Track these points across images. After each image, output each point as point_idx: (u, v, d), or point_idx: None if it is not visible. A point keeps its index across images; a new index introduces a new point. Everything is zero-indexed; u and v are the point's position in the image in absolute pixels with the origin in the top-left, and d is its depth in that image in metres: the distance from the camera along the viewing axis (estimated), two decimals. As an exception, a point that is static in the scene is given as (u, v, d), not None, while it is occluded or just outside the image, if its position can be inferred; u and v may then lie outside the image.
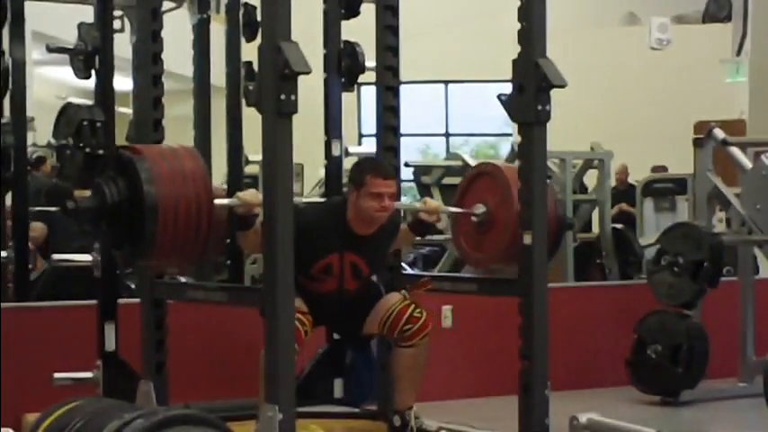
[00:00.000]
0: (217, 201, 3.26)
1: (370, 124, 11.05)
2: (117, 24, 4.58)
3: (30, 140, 5.63)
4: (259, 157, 3.36)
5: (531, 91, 3.46)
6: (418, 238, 4.01)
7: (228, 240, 5.06)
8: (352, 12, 4.54)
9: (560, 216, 3.89)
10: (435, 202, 3.98)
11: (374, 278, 3.96)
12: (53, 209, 5.59)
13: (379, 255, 3.86)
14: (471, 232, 3.97)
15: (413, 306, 3.79)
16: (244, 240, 3.51)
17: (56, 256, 4.83)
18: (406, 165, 7.49)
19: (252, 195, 3.35)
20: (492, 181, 3.89)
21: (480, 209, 3.90)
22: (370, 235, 3.75)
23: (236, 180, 5.06)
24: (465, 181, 4.06)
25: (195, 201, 3.13)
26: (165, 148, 3.32)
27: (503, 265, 3.99)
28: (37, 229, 5.35)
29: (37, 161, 6.92)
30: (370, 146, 4.74)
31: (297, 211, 3.23)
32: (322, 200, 4.84)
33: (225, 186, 5.12)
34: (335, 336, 4.27)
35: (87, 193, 3.27)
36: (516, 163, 3.65)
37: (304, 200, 3.94)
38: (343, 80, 4.57)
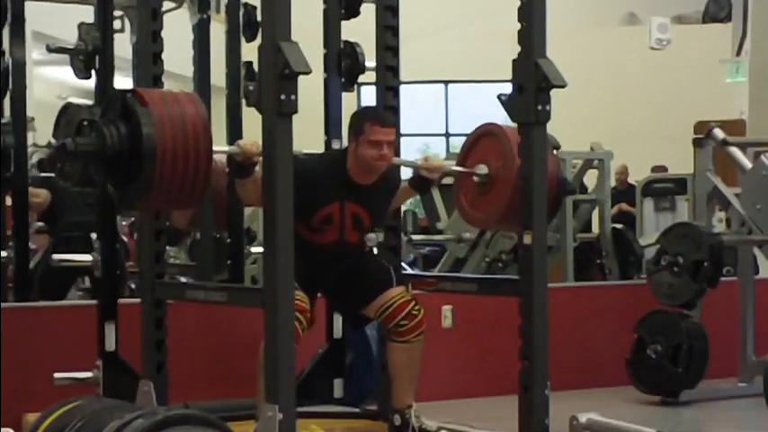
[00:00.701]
0: (216, 148, 3.26)
1: (370, 124, 11.02)
2: (117, 24, 4.58)
3: (30, 140, 5.63)
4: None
5: (531, 91, 3.47)
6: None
7: (229, 240, 5.09)
8: (352, 12, 4.54)
9: (561, 179, 3.86)
10: (437, 159, 3.96)
11: (385, 262, 3.95)
12: (52, 175, 5.56)
13: (381, 207, 3.85)
14: (473, 192, 3.95)
15: (413, 303, 3.79)
16: (243, 190, 3.51)
17: (56, 257, 4.83)
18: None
19: (252, 144, 3.35)
20: (495, 142, 3.86)
21: (482, 169, 3.87)
22: (370, 185, 3.75)
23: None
24: (468, 141, 4.02)
25: (194, 144, 3.13)
26: (167, 92, 3.32)
27: (502, 226, 3.97)
28: (41, 195, 5.30)
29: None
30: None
31: (297, 161, 3.23)
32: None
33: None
34: (337, 323, 4.25)
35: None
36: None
37: (304, 151, 3.93)
38: (343, 80, 4.57)
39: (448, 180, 8.13)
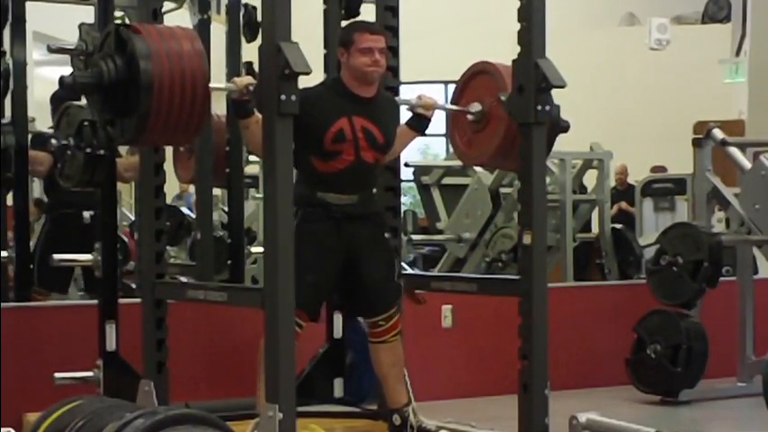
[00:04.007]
0: (212, 84, 3.26)
1: (369, 124, 11.00)
2: (117, 25, 4.57)
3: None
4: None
5: (530, 91, 3.47)
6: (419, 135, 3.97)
7: (229, 240, 5.09)
8: (353, 12, 4.54)
9: (554, 119, 3.83)
10: (431, 97, 3.96)
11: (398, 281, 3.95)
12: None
13: (388, 122, 3.81)
14: (467, 130, 3.95)
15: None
16: (248, 134, 3.48)
17: (56, 257, 4.83)
18: (406, 165, 7.49)
19: (248, 80, 3.35)
20: (488, 79, 3.85)
21: (476, 107, 3.87)
22: (372, 99, 3.73)
23: (237, 180, 5.06)
24: (462, 80, 4.01)
25: (191, 77, 3.13)
26: (164, 27, 3.32)
27: (497, 162, 3.96)
28: (44, 160, 5.28)
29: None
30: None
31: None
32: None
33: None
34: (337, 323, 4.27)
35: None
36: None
37: None
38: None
39: (448, 180, 8.20)
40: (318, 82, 3.86)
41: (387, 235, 3.93)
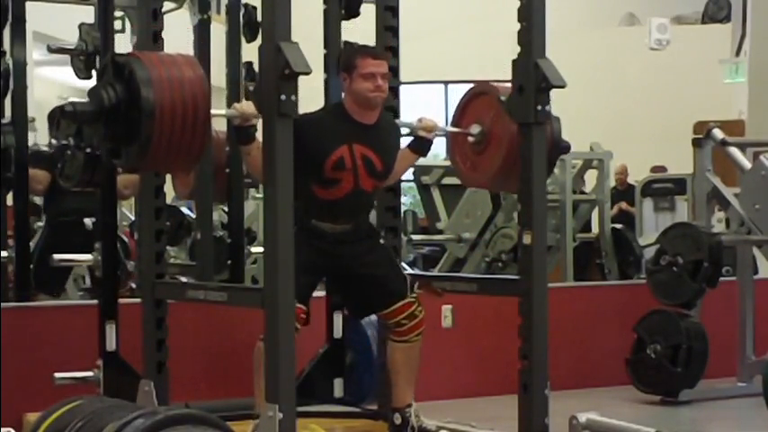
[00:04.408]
0: (213, 111, 3.25)
1: (369, 124, 11.02)
2: (118, 25, 4.59)
3: (31, 141, 5.63)
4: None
5: (530, 91, 3.47)
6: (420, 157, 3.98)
7: (229, 240, 5.09)
8: (353, 12, 4.54)
9: (556, 139, 3.85)
10: (431, 119, 3.95)
11: (402, 270, 3.93)
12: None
13: (388, 149, 3.80)
14: (468, 152, 3.95)
15: (416, 304, 3.80)
16: (249, 160, 3.47)
17: (56, 257, 4.83)
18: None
19: (248, 106, 3.34)
20: (488, 100, 3.85)
21: (476, 129, 3.87)
22: (373, 125, 3.71)
23: (237, 180, 5.06)
24: (462, 102, 4.01)
25: (192, 104, 3.12)
26: (164, 54, 3.31)
27: (498, 183, 3.97)
28: (41, 178, 5.27)
29: None
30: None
31: (298, 117, 3.21)
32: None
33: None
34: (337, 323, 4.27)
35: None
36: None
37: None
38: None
39: (448, 180, 8.20)
40: (320, 108, 3.87)
41: (382, 241, 3.94)
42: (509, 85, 3.59)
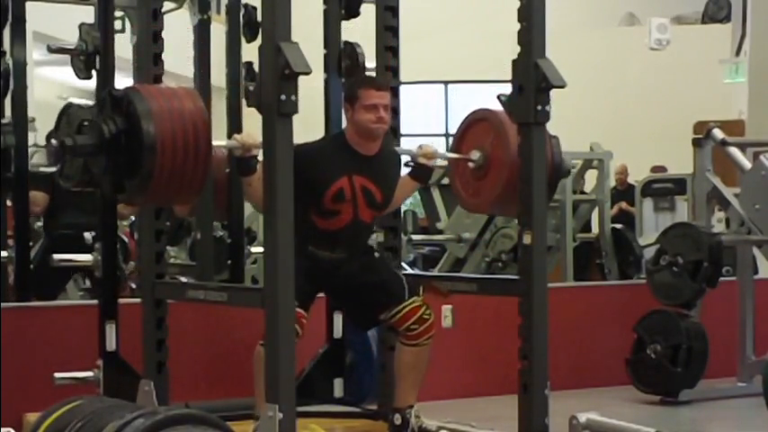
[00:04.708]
0: (215, 142, 3.25)
1: (369, 124, 11.03)
2: (118, 25, 4.59)
3: (30, 141, 5.64)
4: (259, 158, 3.37)
5: (530, 91, 3.47)
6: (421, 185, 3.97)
7: (229, 240, 5.09)
8: (353, 12, 4.54)
9: (557, 163, 3.86)
10: (431, 146, 3.96)
11: (398, 273, 3.94)
12: (53, 169, 5.55)
13: (388, 180, 3.81)
14: (468, 178, 3.96)
15: (424, 307, 3.79)
16: (249, 190, 3.48)
17: (56, 257, 4.83)
18: (407, 165, 7.50)
19: (249, 137, 3.34)
20: (488, 126, 3.86)
21: (477, 154, 3.88)
22: (373, 156, 3.72)
23: (236, 180, 5.06)
24: (461, 127, 4.02)
25: (193, 138, 3.12)
26: (165, 87, 3.31)
27: (499, 209, 3.97)
28: (39, 200, 5.28)
29: None
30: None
31: (298, 147, 3.21)
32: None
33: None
34: (337, 323, 4.26)
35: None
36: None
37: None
38: (343, 80, 4.57)
39: (448, 180, 8.18)
40: (320, 137, 3.88)
41: (376, 254, 3.94)
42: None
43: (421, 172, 3.91)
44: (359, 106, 3.65)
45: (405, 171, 3.97)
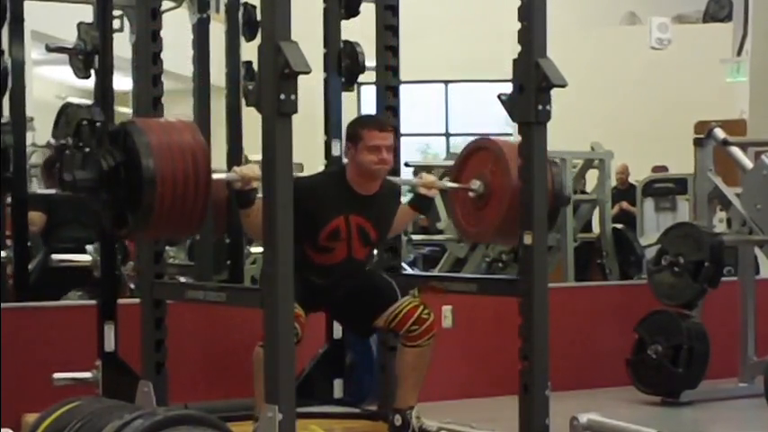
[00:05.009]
0: (214, 175, 3.24)
1: (370, 124, 11.03)
2: (116, 24, 4.58)
3: (29, 140, 5.63)
4: (259, 157, 3.36)
5: (531, 91, 3.46)
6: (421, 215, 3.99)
7: (228, 240, 5.08)
8: (352, 11, 4.53)
9: (557, 190, 3.85)
10: (431, 176, 3.97)
11: (386, 275, 3.94)
12: (51, 191, 5.56)
13: (384, 219, 3.82)
14: (468, 207, 3.95)
15: (422, 307, 3.79)
16: (247, 221, 3.47)
17: (55, 257, 4.82)
18: (407, 165, 7.48)
19: (249, 169, 3.34)
20: (488, 155, 3.85)
21: (477, 184, 3.88)
22: (372, 196, 3.73)
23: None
24: (461, 156, 4.02)
25: (193, 173, 3.10)
26: (164, 121, 3.30)
27: (498, 239, 3.97)
28: (36, 220, 5.30)
29: None
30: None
31: (296, 181, 3.20)
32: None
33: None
34: (337, 324, 4.26)
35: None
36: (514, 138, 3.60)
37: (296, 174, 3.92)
38: (343, 80, 4.56)
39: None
40: (320, 171, 3.86)
41: (367, 267, 3.94)
42: (510, 139, 3.59)
43: (421, 202, 3.91)
44: (362, 147, 3.66)
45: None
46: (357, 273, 3.82)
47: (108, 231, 3.82)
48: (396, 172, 4.19)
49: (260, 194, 3.27)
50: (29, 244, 5.07)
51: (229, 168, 4.74)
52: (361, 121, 3.78)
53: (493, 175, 3.82)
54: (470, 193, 3.89)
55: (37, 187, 6.38)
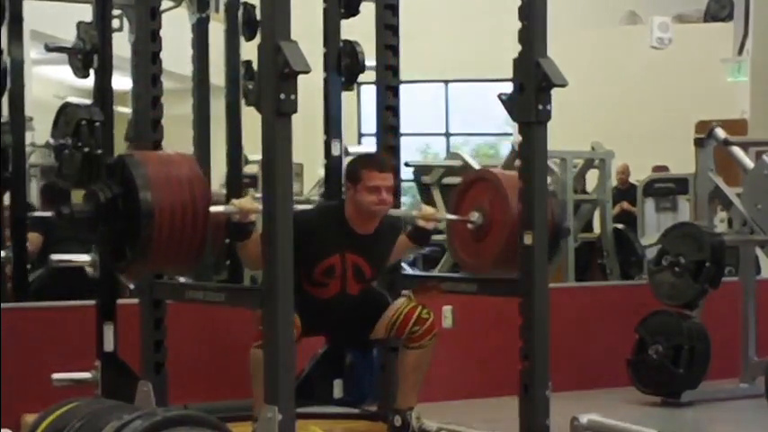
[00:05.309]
0: (213, 208, 3.22)
1: (370, 124, 11.03)
2: (116, 23, 4.57)
3: (28, 140, 5.62)
4: (259, 157, 3.35)
5: (531, 90, 3.45)
6: (420, 248, 3.98)
7: (227, 240, 5.06)
8: (352, 11, 4.52)
9: (557, 223, 3.87)
10: (431, 208, 3.97)
11: (376, 284, 3.94)
12: (48, 214, 5.56)
13: (381, 256, 3.84)
14: (467, 239, 3.97)
15: (420, 308, 3.79)
16: (243, 252, 3.48)
17: (55, 257, 4.80)
18: (407, 164, 7.48)
19: (247, 201, 3.34)
20: (488, 187, 3.88)
21: (476, 216, 3.89)
22: (370, 235, 3.74)
23: (236, 180, 5.04)
24: (461, 188, 4.05)
25: (191, 207, 3.10)
26: (162, 154, 3.30)
27: (497, 271, 3.97)
28: (33, 241, 5.32)
29: None
30: (370, 145, 4.73)
31: (295, 215, 3.19)
32: (313, 205, 4.85)
33: (224, 191, 5.09)
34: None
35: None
36: (517, 162, 3.62)
37: (297, 207, 3.91)
38: (342, 79, 4.56)
39: (448, 180, 8.18)
40: (319, 205, 3.86)
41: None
42: (510, 173, 3.58)
43: (420, 234, 3.90)
44: (361, 187, 3.66)
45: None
46: (349, 308, 3.81)
47: (106, 265, 3.85)
48: (396, 171, 4.18)
49: (258, 227, 3.26)
50: (28, 267, 5.08)
51: (228, 194, 4.74)
52: (362, 161, 3.78)
53: (492, 208, 3.83)
54: (469, 225, 3.89)
55: (36, 187, 6.37)
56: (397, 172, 4.03)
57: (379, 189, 3.65)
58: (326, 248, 3.68)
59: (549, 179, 3.76)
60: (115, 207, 3.09)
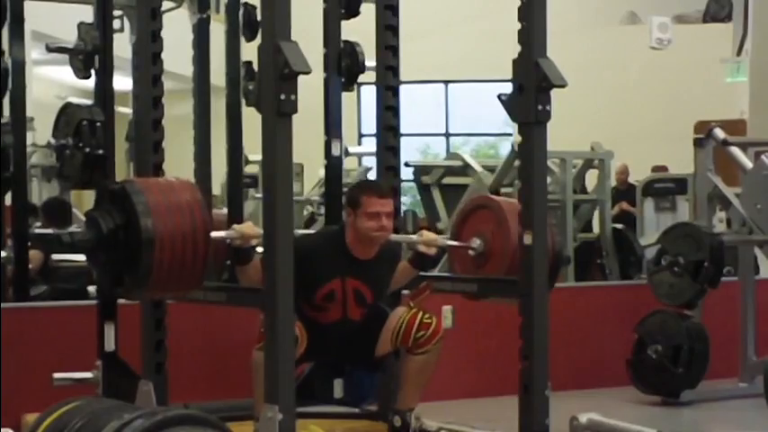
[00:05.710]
0: (214, 233, 3.23)
1: (370, 124, 11.05)
2: (117, 24, 4.58)
3: (29, 140, 5.64)
4: (259, 157, 3.36)
5: (531, 91, 3.45)
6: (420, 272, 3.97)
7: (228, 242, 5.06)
8: (352, 11, 4.53)
9: (558, 252, 3.89)
10: (432, 234, 3.96)
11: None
12: (49, 231, 5.59)
13: (381, 281, 3.84)
14: (468, 264, 3.99)
15: (421, 313, 3.79)
16: (244, 277, 3.49)
17: (56, 257, 4.82)
18: (407, 165, 7.49)
19: (248, 227, 3.36)
20: (489, 214, 3.90)
21: (477, 242, 3.89)
22: (370, 260, 3.75)
23: (236, 180, 5.05)
24: (461, 214, 4.08)
25: (191, 233, 3.10)
26: (162, 180, 3.30)
27: (501, 298, 3.99)
28: (34, 259, 5.33)
29: None
30: (370, 146, 4.73)
31: (295, 240, 3.19)
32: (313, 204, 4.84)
33: (225, 211, 5.08)
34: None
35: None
36: (516, 184, 3.63)
37: (297, 232, 3.91)
38: (343, 80, 4.56)
39: (448, 180, 8.17)
40: (320, 230, 3.85)
41: None
42: (512, 201, 3.59)
43: (421, 260, 3.90)
44: (361, 213, 3.68)
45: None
46: (350, 334, 3.81)
47: (105, 292, 3.85)
48: (396, 170, 4.19)
49: (258, 252, 3.27)
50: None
51: (230, 218, 4.74)
52: (361, 187, 3.80)
53: (493, 235, 3.85)
54: (470, 252, 3.90)
55: (37, 187, 6.38)
56: (397, 194, 4.04)
57: (378, 215, 3.67)
58: (327, 273, 3.70)
59: (548, 179, 3.76)
60: (116, 235, 3.09)
